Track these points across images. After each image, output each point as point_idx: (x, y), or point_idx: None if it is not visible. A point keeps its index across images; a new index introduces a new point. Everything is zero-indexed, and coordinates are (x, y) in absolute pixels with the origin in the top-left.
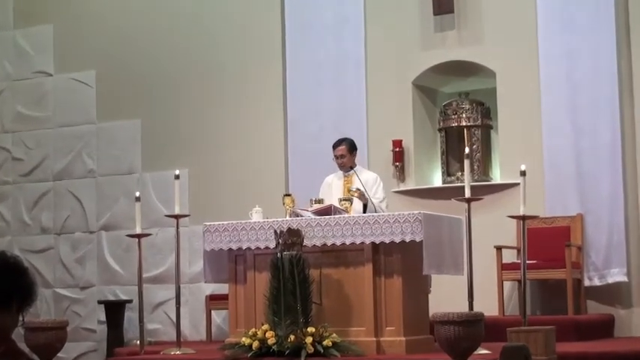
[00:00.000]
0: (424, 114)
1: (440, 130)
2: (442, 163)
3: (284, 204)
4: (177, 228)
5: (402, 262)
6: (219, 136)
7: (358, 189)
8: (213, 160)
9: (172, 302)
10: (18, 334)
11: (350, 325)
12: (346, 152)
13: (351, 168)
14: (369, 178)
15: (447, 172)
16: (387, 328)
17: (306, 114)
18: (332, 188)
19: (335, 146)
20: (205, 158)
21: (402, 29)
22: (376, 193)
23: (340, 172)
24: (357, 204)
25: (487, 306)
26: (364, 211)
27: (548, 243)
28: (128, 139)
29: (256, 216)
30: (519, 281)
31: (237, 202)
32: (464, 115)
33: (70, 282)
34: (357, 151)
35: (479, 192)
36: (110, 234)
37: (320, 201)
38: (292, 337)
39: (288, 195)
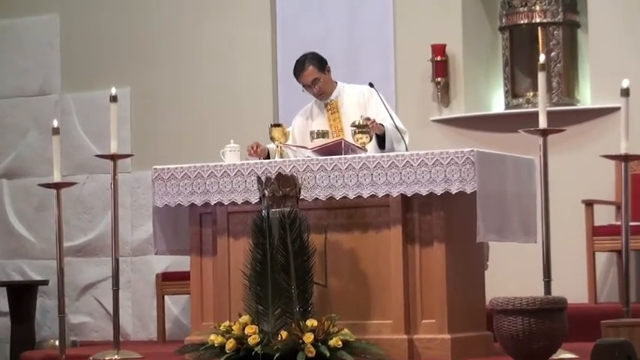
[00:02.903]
0: (479, 6)
1: (502, 29)
2: (505, 79)
3: (272, 139)
4: (115, 174)
5: (445, 223)
6: (176, 40)
7: (368, 118)
8: (168, 75)
9: (107, 284)
10: None
11: (369, 316)
12: (317, 73)
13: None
14: (360, 95)
15: (513, 92)
16: (424, 322)
17: (303, 10)
18: (313, 125)
19: (297, 72)
20: (156, 72)
21: None
22: (379, 113)
23: (317, 103)
24: (401, 135)
25: (572, 288)
26: (381, 147)
27: None
28: (41, 44)
29: (231, 156)
30: (619, 252)
31: (203, 137)
32: (537, 8)
33: None
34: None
35: (560, 120)
36: (14, 183)
37: (324, 134)
38: (284, 334)
39: (278, 125)
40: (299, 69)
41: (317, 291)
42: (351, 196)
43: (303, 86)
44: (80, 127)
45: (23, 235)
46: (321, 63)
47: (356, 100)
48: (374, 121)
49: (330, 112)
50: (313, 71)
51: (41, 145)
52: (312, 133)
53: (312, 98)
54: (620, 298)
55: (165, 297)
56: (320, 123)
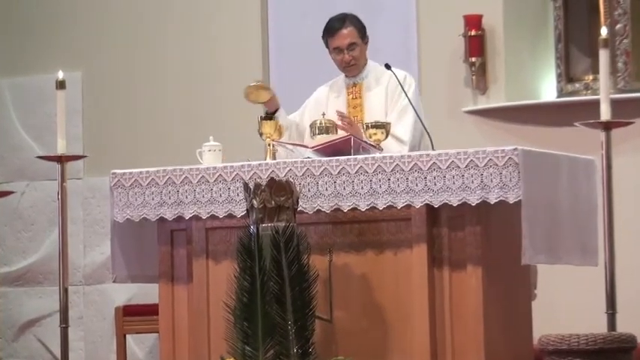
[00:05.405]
0: None
1: None
2: (557, 59)
3: (262, 134)
4: (63, 181)
5: (481, 241)
6: (140, 11)
7: (342, 114)
8: (129, 56)
9: (53, 320)
10: None
11: (386, 359)
12: (357, 38)
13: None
14: (393, 79)
15: (567, 76)
16: None
17: None
18: (327, 109)
19: (334, 29)
20: (114, 52)
21: None
22: (394, 108)
23: (340, 81)
24: (392, 145)
25: None
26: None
27: None
28: None
29: (210, 157)
30: None
31: (175, 133)
32: None
33: None
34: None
35: (627, 111)
36: None
37: (327, 128)
38: None
39: (270, 118)
40: (336, 26)
41: (319, 327)
42: (363, 207)
43: (333, 49)
44: (18, 121)
45: None
46: (363, 28)
47: (385, 86)
48: (349, 119)
49: (351, 95)
50: (353, 33)
51: None
52: (311, 127)
53: (332, 74)
54: None
55: (127, 336)
56: (339, 104)
